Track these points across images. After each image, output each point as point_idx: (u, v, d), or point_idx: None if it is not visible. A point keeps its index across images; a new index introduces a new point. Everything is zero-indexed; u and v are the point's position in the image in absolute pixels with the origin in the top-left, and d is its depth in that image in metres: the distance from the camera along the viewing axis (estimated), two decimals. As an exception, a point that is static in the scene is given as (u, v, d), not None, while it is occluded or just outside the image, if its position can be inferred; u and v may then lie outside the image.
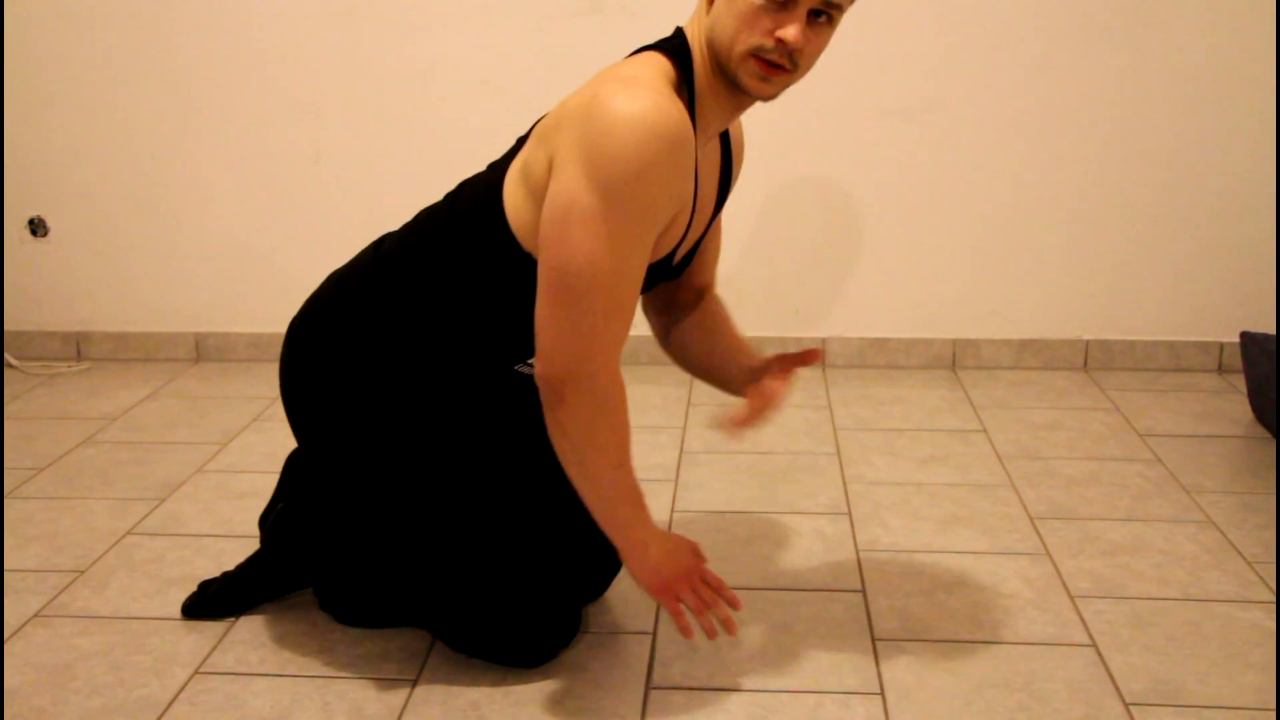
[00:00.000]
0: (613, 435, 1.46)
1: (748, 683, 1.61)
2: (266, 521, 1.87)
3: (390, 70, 3.00)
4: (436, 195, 3.13)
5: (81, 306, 3.26)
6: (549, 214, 1.38)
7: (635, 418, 2.58)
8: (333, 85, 3.02)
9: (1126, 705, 1.56)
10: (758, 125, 3.00)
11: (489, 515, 1.61)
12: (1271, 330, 2.88)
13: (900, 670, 1.65)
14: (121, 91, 3.06)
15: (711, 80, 1.47)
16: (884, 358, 3.14)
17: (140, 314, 3.26)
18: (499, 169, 1.57)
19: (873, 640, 1.73)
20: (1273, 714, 1.54)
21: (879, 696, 1.58)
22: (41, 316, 3.27)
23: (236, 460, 2.47)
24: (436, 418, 1.59)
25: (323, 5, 2.96)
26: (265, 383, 3.05)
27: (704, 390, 2.83)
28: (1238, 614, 1.80)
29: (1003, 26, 2.87)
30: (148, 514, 2.21)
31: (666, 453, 2.47)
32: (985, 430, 2.63)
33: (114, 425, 2.72)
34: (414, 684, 1.62)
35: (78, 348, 3.28)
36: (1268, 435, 2.58)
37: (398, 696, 1.59)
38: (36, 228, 3.19)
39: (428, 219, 1.62)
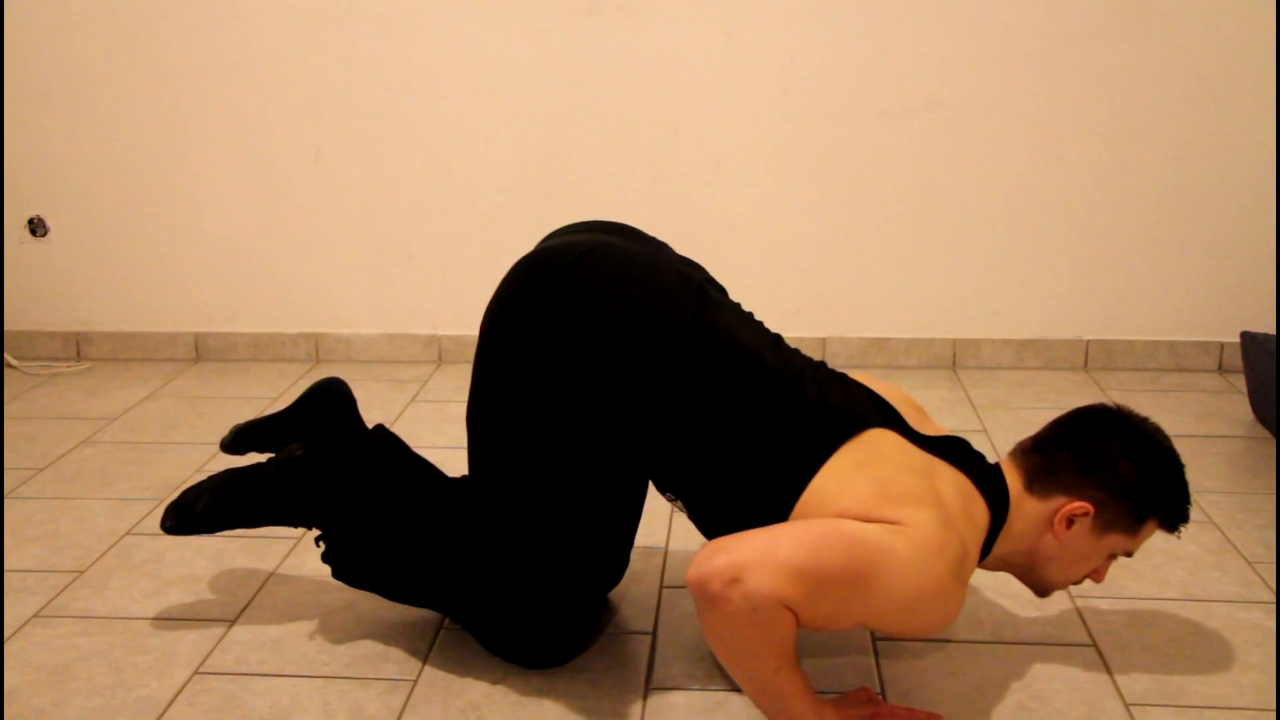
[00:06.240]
0: (767, 639, 1.39)
1: (748, 683, 1.61)
2: (244, 433, 1.79)
3: (390, 70, 3.00)
4: (436, 195, 3.16)
5: (81, 306, 3.26)
6: (851, 528, 1.38)
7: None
8: (333, 85, 3.02)
9: (1127, 705, 1.56)
10: (760, 125, 3.00)
11: (560, 529, 1.57)
12: (1271, 330, 2.88)
13: (900, 670, 1.65)
14: (121, 91, 3.06)
15: (1003, 556, 1.56)
16: (884, 358, 3.13)
17: (140, 314, 3.26)
18: (832, 432, 1.49)
19: (873, 640, 1.72)
20: (1273, 714, 1.54)
21: (879, 696, 1.58)
22: (41, 316, 3.27)
23: (236, 460, 2.47)
24: (605, 451, 1.52)
25: (322, 5, 2.96)
26: (265, 382, 3.05)
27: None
28: (1238, 614, 1.80)
29: (1003, 27, 2.87)
30: (147, 514, 2.21)
31: (666, 453, 2.47)
32: (985, 430, 2.63)
33: (114, 425, 2.72)
34: (414, 684, 1.62)
35: (78, 348, 3.28)
36: (1268, 435, 2.58)
37: (398, 696, 1.59)
38: (36, 228, 3.19)
39: (755, 375, 1.51)
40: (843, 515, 1.41)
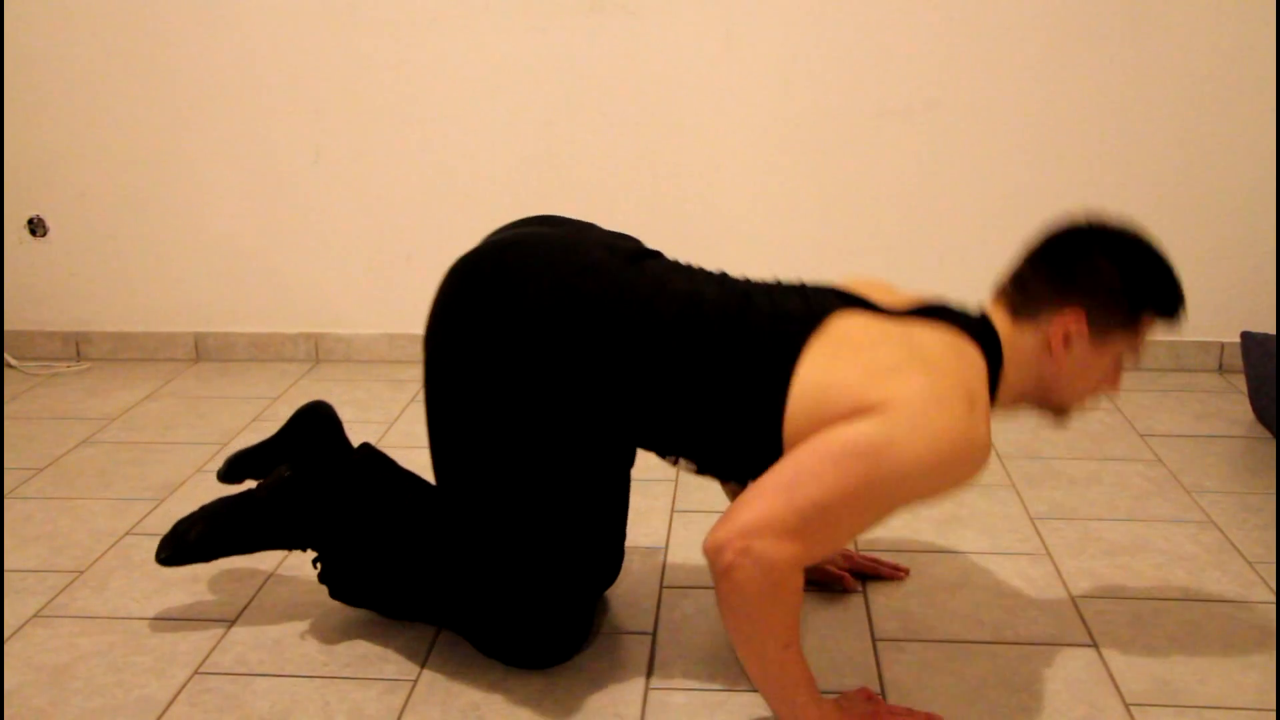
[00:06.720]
0: (777, 608, 1.40)
1: (747, 682, 1.61)
2: (238, 462, 1.81)
3: (390, 70, 3.00)
4: (436, 195, 3.15)
5: (81, 306, 3.26)
6: (838, 442, 1.37)
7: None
8: (333, 85, 3.02)
9: (1126, 705, 1.56)
10: (760, 125, 3.00)
11: (541, 528, 1.58)
12: (1271, 330, 2.88)
13: (900, 670, 1.65)
14: (121, 91, 3.06)
15: (1013, 393, 1.56)
16: (884, 358, 3.13)
17: (140, 314, 3.26)
18: (795, 335, 1.47)
19: (873, 640, 1.73)
20: (1273, 714, 1.54)
21: (879, 696, 1.58)
22: (41, 316, 3.27)
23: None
24: (573, 439, 1.52)
25: (323, 5, 2.96)
26: (265, 383, 3.05)
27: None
28: (1238, 614, 1.80)
29: (1002, 27, 2.87)
30: (147, 514, 2.21)
31: (666, 453, 2.47)
32: (985, 430, 2.62)
33: (114, 425, 2.72)
34: (414, 684, 1.62)
35: (77, 348, 3.28)
36: (1268, 435, 2.58)
37: (398, 696, 1.59)
38: (36, 228, 3.19)
39: (710, 312, 1.50)
40: (836, 419, 1.38)
